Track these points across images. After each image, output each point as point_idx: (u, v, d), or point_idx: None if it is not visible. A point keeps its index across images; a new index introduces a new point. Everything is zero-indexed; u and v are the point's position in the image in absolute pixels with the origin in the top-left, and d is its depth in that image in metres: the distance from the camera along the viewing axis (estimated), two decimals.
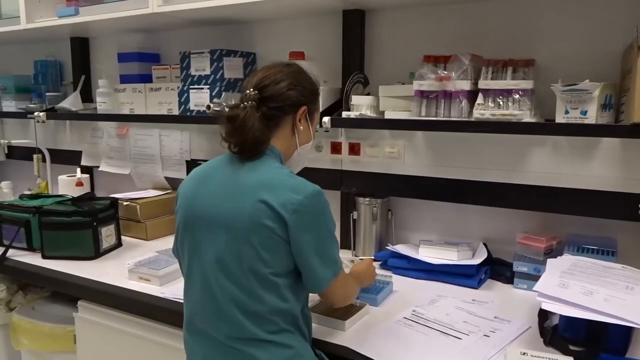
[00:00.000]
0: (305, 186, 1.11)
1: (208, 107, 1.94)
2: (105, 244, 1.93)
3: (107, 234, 1.94)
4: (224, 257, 1.10)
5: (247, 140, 1.12)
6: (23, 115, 2.59)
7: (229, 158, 1.19)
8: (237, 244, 1.08)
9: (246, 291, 1.08)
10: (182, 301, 1.48)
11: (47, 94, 2.62)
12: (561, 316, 1.23)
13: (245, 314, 1.09)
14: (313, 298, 1.28)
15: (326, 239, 1.13)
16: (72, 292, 1.71)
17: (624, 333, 1.18)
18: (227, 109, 1.16)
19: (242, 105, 1.14)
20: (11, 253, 1.90)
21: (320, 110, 1.35)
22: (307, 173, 2.02)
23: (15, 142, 2.70)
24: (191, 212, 1.17)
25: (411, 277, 1.68)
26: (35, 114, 2.49)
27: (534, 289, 1.23)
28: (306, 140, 1.27)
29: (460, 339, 1.26)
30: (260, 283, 1.08)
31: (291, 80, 1.18)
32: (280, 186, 1.09)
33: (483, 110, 1.49)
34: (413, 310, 1.41)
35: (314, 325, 1.32)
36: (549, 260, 1.37)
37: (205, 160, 2.18)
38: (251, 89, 1.15)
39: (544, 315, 1.32)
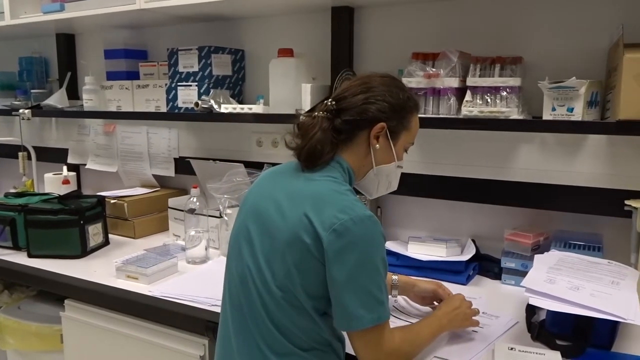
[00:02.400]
0: (356, 207, 1.00)
1: (196, 104, 1.93)
2: (92, 243, 1.91)
3: (94, 232, 1.92)
4: (257, 270, 1.05)
5: (303, 148, 1.09)
6: (8, 112, 2.56)
7: (296, 165, 1.14)
8: (275, 254, 1.03)
9: (276, 303, 1.03)
10: (170, 299, 1.49)
11: (32, 90, 2.58)
12: (548, 311, 1.24)
13: (277, 326, 1.04)
14: None
15: (369, 273, 0.99)
16: (58, 291, 1.69)
17: (609, 328, 1.20)
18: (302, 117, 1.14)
19: (315, 114, 1.11)
20: None
21: (416, 128, 1.20)
22: None
23: None
24: (246, 213, 1.13)
25: (400, 274, 1.68)
26: (20, 111, 2.45)
27: (521, 284, 1.25)
28: (385, 160, 1.15)
29: None
30: (286, 297, 1.02)
31: (372, 93, 1.09)
32: (329, 202, 1.01)
33: (471, 108, 1.50)
34: (395, 300, 1.42)
35: None
36: (536, 256, 1.38)
37: (194, 158, 2.20)
38: (330, 99, 1.11)
39: (531, 310, 1.33)
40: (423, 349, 1.14)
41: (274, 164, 2.01)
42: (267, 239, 1.06)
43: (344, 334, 1.12)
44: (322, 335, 1.06)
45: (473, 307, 1.27)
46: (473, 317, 1.25)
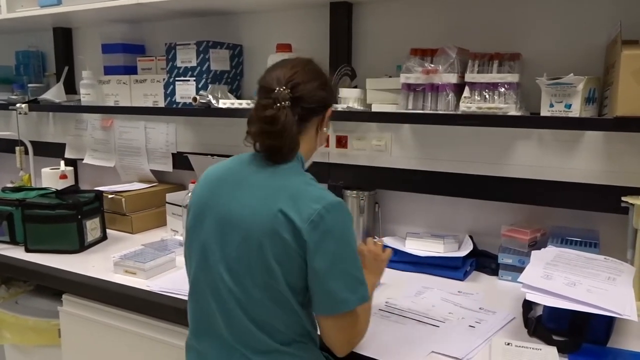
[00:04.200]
0: (326, 195, 1.03)
1: (194, 99, 1.93)
2: (90, 237, 1.91)
3: (92, 227, 1.92)
4: (234, 266, 1.04)
5: (285, 146, 1.05)
6: (5, 106, 2.55)
7: (251, 158, 1.12)
8: (250, 253, 1.02)
9: (257, 302, 1.03)
10: (168, 294, 1.48)
11: (29, 85, 2.58)
12: (545, 307, 1.25)
13: (257, 324, 1.04)
14: None
15: (349, 256, 1.03)
16: (56, 286, 1.69)
17: (605, 323, 1.21)
18: (260, 107, 1.06)
19: (276, 105, 1.04)
20: None
21: None
22: None
23: None
24: (203, 215, 1.09)
25: (398, 269, 1.69)
26: (17, 105, 2.45)
27: (518, 280, 1.25)
28: (322, 142, 1.21)
29: (437, 326, 1.28)
30: (269, 294, 1.02)
31: (322, 80, 1.11)
32: (302, 196, 1.02)
33: (469, 104, 1.50)
34: (386, 302, 1.42)
35: None
36: (533, 252, 1.39)
37: (192, 153, 2.20)
38: (283, 87, 1.05)
39: (528, 306, 1.34)
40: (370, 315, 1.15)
41: None
42: (237, 240, 1.03)
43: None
44: (303, 326, 1.08)
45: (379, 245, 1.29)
46: (381, 253, 1.28)
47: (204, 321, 1.11)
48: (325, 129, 1.16)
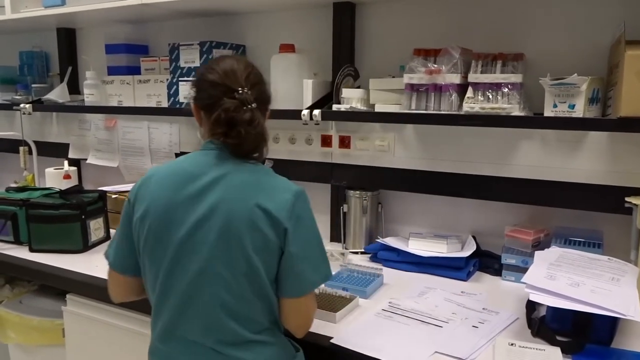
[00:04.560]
0: (290, 184, 1.11)
1: None
2: (93, 237, 1.91)
3: (96, 227, 1.93)
4: (213, 264, 1.04)
5: (261, 146, 1.10)
6: (8, 107, 2.56)
7: (204, 156, 1.12)
8: (230, 249, 1.03)
9: (236, 296, 1.05)
10: None
11: (33, 85, 2.58)
12: (548, 307, 1.24)
13: (234, 318, 1.06)
14: None
15: (316, 239, 1.10)
16: (60, 286, 1.69)
17: (609, 324, 1.20)
18: (233, 109, 1.06)
19: (246, 107, 1.07)
20: None
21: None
22: (298, 166, 2.04)
23: (0, 134, 2.66)
24: (170, 217, 1.07)
25: (401, 270, 1.69)
26: (21, 105, 2.46)
27: (521, 280, 1.25)
28: None
29: (441, 327, 1.28)
30: (252, 287, 1.05)
31: (263, 78, 1.16)
32: (272, 188, 1.08)
33: (473, 104, 1.50)
34: (389, 302, 1.42)
35: None
36: (536, 252, 1.39)
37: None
38: (245, 88, 1.08)
39: (531, 306, 1.34)
40: None
41: (275, 160, 2.04)
42: (215, 237, 1.04)
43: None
44: (274, 313, 1.12)
45: None
46: None
47: (172, 324, 1.09)
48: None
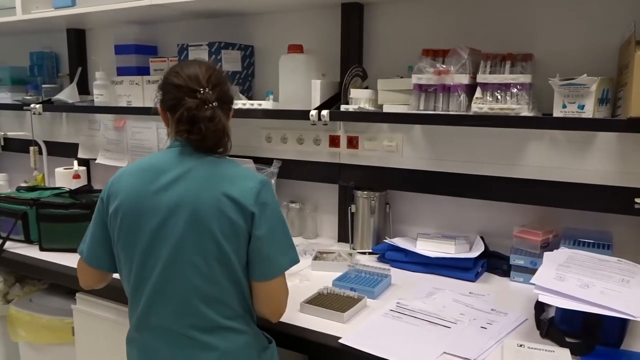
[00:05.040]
0: (255, 174, 1.19)
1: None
2: None
3: None
4: (184, 250, 1.10)
5: (224, 141, 1.16)
6: (19, 107, 2.58)
7: (171, 153, 1.18)
8: (200, 236, 1.09)
9: (209, 281, 1.10)
10: None
11: (43, 85, 2.61)
12: (557, 308, 1.24)
13: (207, 303, 1.11)
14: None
15: (281, 224, 1.17)
16: (70, 284, 1.70)
17: (619, 326, 1.20)
18: (194, 107, 1.13)
19: (208, 106, 1.14)
20: (8, 245, 1.90)
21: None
22: (306, 166, 2.04)
23: (11, 134, 2.68)
24: (140, 212, 1.13)
25: (409, 270, 1.69)
26: (32, 105, 2.48)
27: (531, 281, 1.25)
28: None
29: (449, 327, 1.28)
30: (223, 272, 1.11)
31: (226, 79, 1.22)
32: (237, 177, 1.14)
33: (481, 104, 1.50)
34: (397, 303, 1.42)
35: (313, 317, 1.34)
36: (545, 253, 1.38)
37: None
38: (207, 89, 1.15)
39: (540, 307, 1.33)
40: None
41: (283, 160, 2.05)
42: (184, 226, 1.10)
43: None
44: (247, 301, 1.17)
45: None
46: None
47: (146, 313, 1.15)
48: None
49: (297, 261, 1.19)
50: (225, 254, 1.10)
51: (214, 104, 1.15)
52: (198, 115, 1.13)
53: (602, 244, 1.48)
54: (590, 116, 1.36)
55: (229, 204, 1.10)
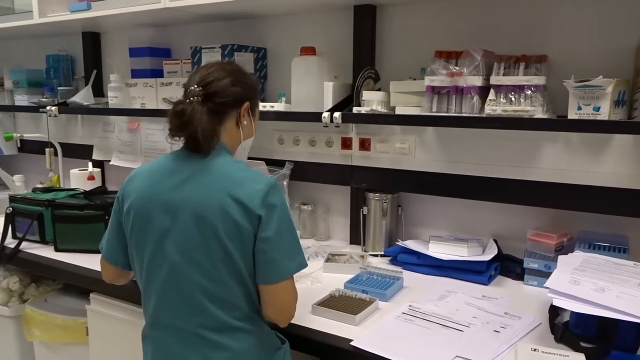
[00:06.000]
0: (262, 176, 1.16)
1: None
2: None
3: None
4: (191, 250, 1.11)
5: (196, 133, 1.13)
6: (35, 109, 2.62)
7: (179, 155, 1.19)
8: (205, 237, 1.10)
9: (215, 281, 1.11)
10: None
11: (59, 88, 2.64)
12: (572, 313, 1.23)
13: (215, 302, 1.11)
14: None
15: (289, 228, 1.15)
16: (84, 285, 1.72)
17: (635, 330, 1.18)
18: (174, 105, 1.16)
19: (187, 100, 1.15)
20: (24, 246, 1.92)
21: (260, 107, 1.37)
22: (318, 168, 2.05)
23: (27, 136, 2.72)
24: (149, 213, 1.15)
25: (421, 273, 1.69)
26: (48, 108, 2.51)
27: (545, 285, 1.23)
28: (249, 134, 1.30)
29: (461, 331, 1.27)
30: (229, 273, 1.11)
31: (234, 77, 1.21)
32: (244, 180, 1.13)
33: (495, 106, 1.49)
34: (409, 305, 1.42)
35: (325, 319, 1.34)
36: (560, 256, 1.37)
37: None
38: (195, 86, 1.16)
39: (554, 311, 1.32)
40: None
41: (295, 162, 2.05)
42: (191, 228, 1.11)
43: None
44: (255, 302, 1.16)
45: None
46: None
47: (158, 311, 1.17)
48: (245, 122, 1.25)
49: (304, 266, 1.17)
50: (230, 255, 1.10)
51: (193, 98, 1.15)
52: (169, 112, 1.15)
53: (618, 248, 1.47)
54: (606, 118, 1.34)
55: (234, 205, 1.09)
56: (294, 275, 1.16)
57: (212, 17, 2.18)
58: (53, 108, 2.51)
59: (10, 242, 1.95)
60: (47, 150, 2.63)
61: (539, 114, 1.44)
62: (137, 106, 2.35)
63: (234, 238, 1.10)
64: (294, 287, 1.17)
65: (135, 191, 1.19)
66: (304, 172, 2.08)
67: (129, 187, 1.21)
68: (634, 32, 1.47)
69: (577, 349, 1.17)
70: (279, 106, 1.90)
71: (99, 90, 2.63)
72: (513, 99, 1.47)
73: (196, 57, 2.08)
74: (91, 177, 2.45)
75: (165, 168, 1.19)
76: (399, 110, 1.70)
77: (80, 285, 1.75)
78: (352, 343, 1.21)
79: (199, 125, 1.12)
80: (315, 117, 1.77)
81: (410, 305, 1.41)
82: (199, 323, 1.12)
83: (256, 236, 1.11)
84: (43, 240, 1.96)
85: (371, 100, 1.73)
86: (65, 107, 2.53)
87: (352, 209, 2.01)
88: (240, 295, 1.13)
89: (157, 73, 2.33)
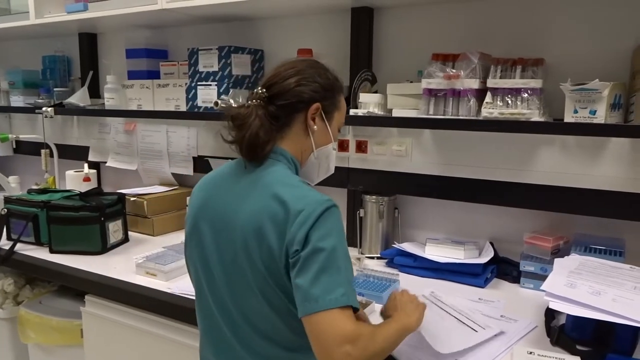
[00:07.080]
0: (315, 195, 0.99)
1: (216, 103, 1.94)
2: (112, 239, 1.93)
3: (115, 229, 1.95)
4: (230, 272, 1.03)
5: (244, 139, 1.03)
6: (31, 110, 2.61)
7: (238, 163, 1.12)
8: (241, 261, 1.00)
9: (254, 309, 1.02)
10: (188, 296, 1.50)
11: (55, 89, 2.63)
12: (568, 316, 1.22)
13: (258, 332, 1.03)
14: None
15: (334, 258, 0.93)
16: (79, 287, 1.71)
17: (631, 334, 1.18)
18: (233, 109, 1.08)
19: (247, 103, 1.07)
20: (19, 247, 1.91)
21: (344, 108, 1.21)
22: None
23: (23, 137, 2.70)
24: (199, 223, 1.10)
25: (417, 276, 1.68)
26: (43, 109, 2.50)
27: (541, 288, 1.23)
28: (324, 141, 1.14)
29: (476, 331, 1.26)
30: (267, 301, 1.00)
31: (302, 75, 1.07)
32: (286, 197, 0.98)
33: (491, 109, 1.49)
34: (432, 292, 1.41)
35: None
36: (556, 259, 1.37)
37: (213, 157, 2.22)
38: (259, 88, 1.07)
39: (550, 314, 1.32)
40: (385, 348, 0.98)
41: None
42: (231, 245, 1.02)
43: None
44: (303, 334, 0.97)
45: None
46: (415, 299, 1.16)
47: (211, 331, 1.11)
48: (316, 127, 1.10)
49: (343, 303, 0.91)
50: (267, 285, 0.99)
51: (253, 101, 1.05)
52: (226, 116, 1.07)
53: (614, 251, 1.47)
54: (602, 122, 1.35)
55: (270, 227, 0.97)
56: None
57: (209, 19, 2.18)
58: (49, 109, 2.49)
59: (4, 244, 1.94)
60: (42, 151, 2.61)
61: (536, 117, 1.44)
62: (134, 107, 2.34)
63: (269, 264, 0.97)
64: (336, 327, 0.90)
65: (191, 204, 1.15)
66: None
67: (190, 199, 1.17)
68: (629, 36, 1.48)
69: (573, 352, 1.17)
70: None
71: (95, 92, 2.62)
72: (510, 102, 1.48)
73: (193, 58, 2.08)
74: (87, 179, 2.44)
75: (218, 178, 1.14)
76: (396, 113, 1.70)
77: (75, 287, 1.75)
78: None
79: (249, 130, 1.02)
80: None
81: (432, 292, 1.41)
82: (250, 349, 1.05)
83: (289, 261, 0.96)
84: (38, 242, 1.95)
85: (368, 103, 1.73)
86: (61, 108, 2.52)
87: (348, 212, 2.00)
88: (283, 325, 1.02)
89: (154, 74, 2.32)
